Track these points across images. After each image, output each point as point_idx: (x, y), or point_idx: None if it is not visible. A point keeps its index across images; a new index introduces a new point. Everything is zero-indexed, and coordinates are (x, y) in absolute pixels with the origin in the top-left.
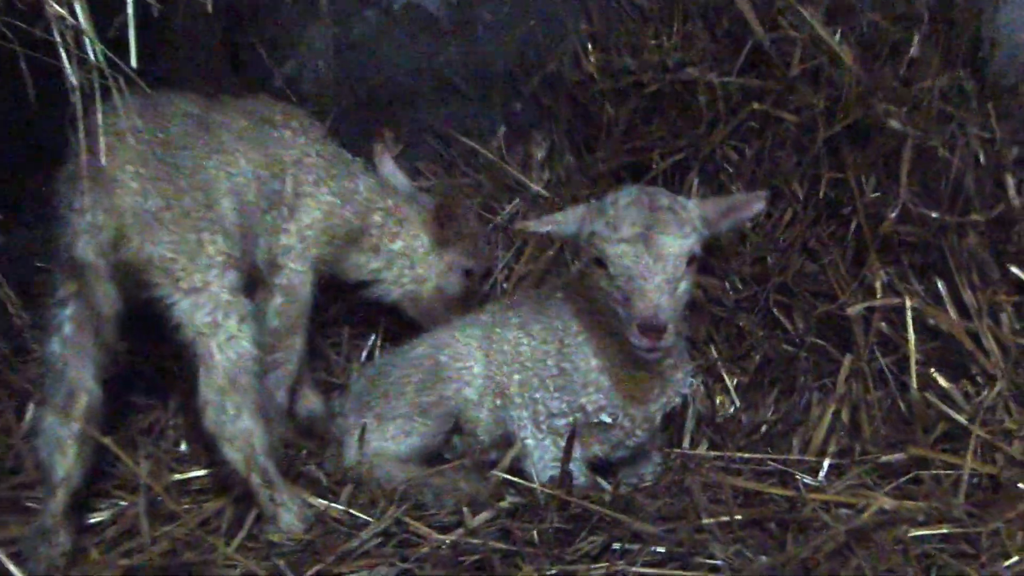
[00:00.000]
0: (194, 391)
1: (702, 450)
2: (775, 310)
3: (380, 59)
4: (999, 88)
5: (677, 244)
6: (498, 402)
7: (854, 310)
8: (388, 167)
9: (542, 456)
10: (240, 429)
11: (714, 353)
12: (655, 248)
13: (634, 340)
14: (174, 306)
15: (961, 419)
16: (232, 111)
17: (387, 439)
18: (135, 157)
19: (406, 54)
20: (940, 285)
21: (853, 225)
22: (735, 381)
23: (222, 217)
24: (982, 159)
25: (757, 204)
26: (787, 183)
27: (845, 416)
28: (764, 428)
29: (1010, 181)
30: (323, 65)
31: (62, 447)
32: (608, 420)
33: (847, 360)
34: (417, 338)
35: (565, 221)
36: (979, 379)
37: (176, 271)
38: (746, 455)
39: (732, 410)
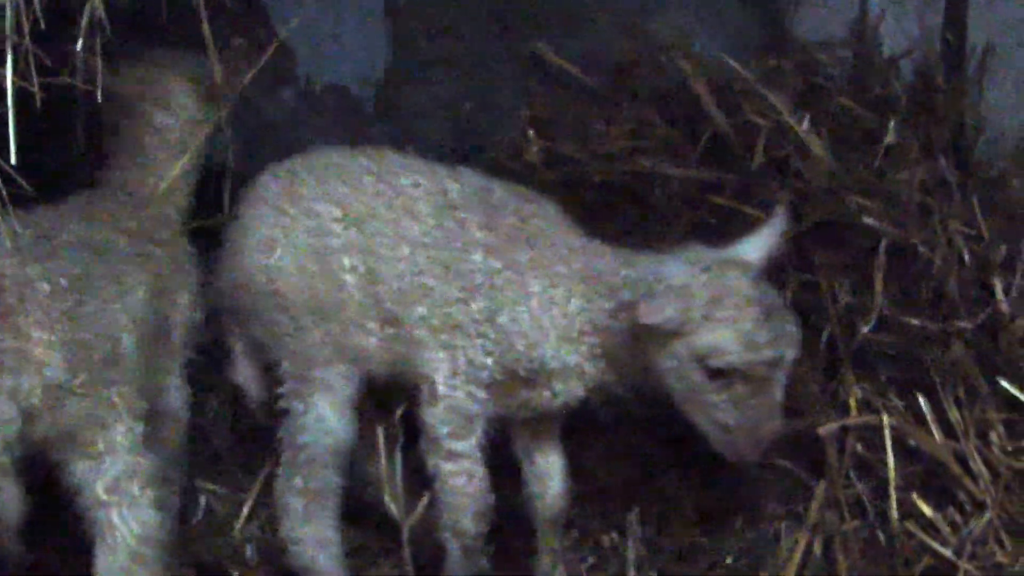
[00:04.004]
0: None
1: None
2: None
3: (297, 142)
4: (984, 179)
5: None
6: None
7: (827, 430)
8: None
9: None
10: None
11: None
12: (785, 367)
13: (744, 451)
14: (73, 471)
15: (947, 552)
16: (105, 221)
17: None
18: (42, 318)
19: (326, 137)
20: (922, 401)
21: (825, 334)
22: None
23: (126, 358)
24: (967, 259)
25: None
26: None
27: (818, 549)
28: (729, 561)
29: (998, 284)
30: (228, 149)
31: None
32: None
33: (820, 486)
34: None
35: (674, 310)
36: (967, 507)
37: (83, 436)
38: None
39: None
